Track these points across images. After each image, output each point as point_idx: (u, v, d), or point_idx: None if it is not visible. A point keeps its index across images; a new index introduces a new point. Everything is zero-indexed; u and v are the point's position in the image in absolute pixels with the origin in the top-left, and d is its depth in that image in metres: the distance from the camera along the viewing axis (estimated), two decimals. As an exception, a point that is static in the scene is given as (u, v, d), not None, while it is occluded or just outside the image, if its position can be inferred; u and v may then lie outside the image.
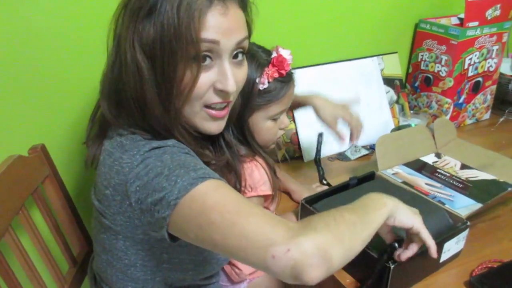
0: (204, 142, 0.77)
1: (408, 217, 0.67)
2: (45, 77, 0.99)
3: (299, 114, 1.28)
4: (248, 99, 0.82)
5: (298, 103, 1.03)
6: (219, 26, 0.63)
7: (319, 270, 0.51)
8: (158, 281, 0.75)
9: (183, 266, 0.74)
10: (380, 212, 0.63)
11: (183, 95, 0.65)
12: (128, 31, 0.63)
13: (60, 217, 1.01)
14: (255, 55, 0.84)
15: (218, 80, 0.67)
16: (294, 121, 1.27)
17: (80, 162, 1.09)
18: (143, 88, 0.64)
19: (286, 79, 0.87)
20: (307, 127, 1.28)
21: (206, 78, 0.66)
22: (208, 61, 0.65)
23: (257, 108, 0.85)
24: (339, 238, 0.54)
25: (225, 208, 0.56)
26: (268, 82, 0.83)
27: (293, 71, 0.89)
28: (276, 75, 0.84)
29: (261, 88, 0.83)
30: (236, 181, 0.83)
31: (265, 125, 0.88)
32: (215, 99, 0.69)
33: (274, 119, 0.89)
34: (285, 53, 0.84)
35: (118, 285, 0.77)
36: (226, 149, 0.82)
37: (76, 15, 0.97)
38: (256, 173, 0.87)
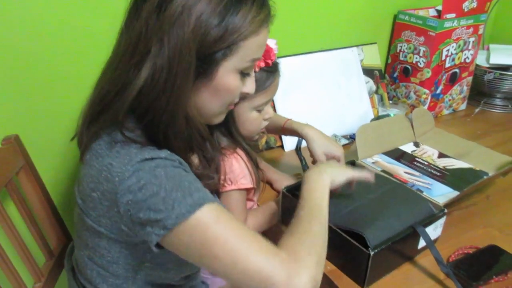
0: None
1: (342, 175, 0.80)
2: (19, 63, 0.96)
3: (279, 104, 1.27)
4: None
5: (291, 130, 1.02)
6: (266, 43, 0.71)
7: None
8: (139, 279, 0.74)
9: (166, 265, 0.74)
10: (326, 194, 0.75)
11: (223, 100, 0.71)
12: (190, 34, 0.61)
13: (36, 209, 0.99)
14: None
15: (244, 84, 0.73)
16: (275, 111, 1.27)
17: (56, 153, 1.07)
18: (186, 89, 0.64)
19: (272, 69, 0.86)
20: (288, 117, 1.28)
21: (241, 84, 0.71)
22: None
23: (242, 98, 0.83)
24: (319, 260, 0.63)
25: (227, 245, 0.60)
26: (254, 72, 0.82)
27: (278, 61, 0.89)
28: (262, 64, 0.83)
29: None
30: (215, 174, 0.82)
31: (250, 115, 0.87)
32: (237, 100, 0.75)
33: (258, 109, 0.88)
34: (271, 43, 0.84)
35: (98, 280, 0.75)
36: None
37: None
38: (236, 166, 0.86)
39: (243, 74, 0.70)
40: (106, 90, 0.66)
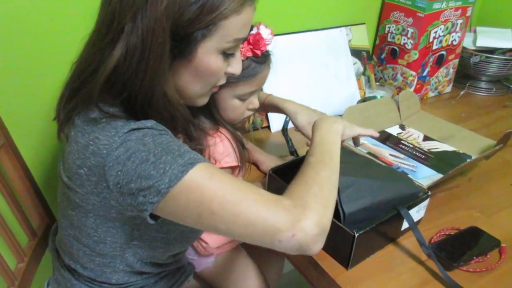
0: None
1: (352, 129, 0.82)
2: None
3: (266, 84, 1.26)
4: None
5: (272, 105, 1.00)
6: (251, 22, 0.67)
7: (321, 242, 0.60)
8: (127, 257, 0.74)
9: (153, 243, 0.73)
10: (338, 140, 0.75)
11: (204, 81, 0.68)
12: (163, 13, 0.58)
13: (18, 188, 0.97)
14: None
15: (230, 64, 0.70)
16: (261, 89, 1.26)
17: (38, 131, 1.05)
18: (163, 70, 0.62)
19: (261, 60, 0.83)
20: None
21: (225, 65, 0.69)
22: None
23: (224, 84, 0.80)
24: (327, 204, 0.62)
25: (225, 198, 0.58)
26: (242, 61, 0.79)
27: (271, 51, 0.85)
28: (249, 54, 0.80)
29: None
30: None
31: (231, 103, 0.85)
32: (223, 81, 0.73)
33: (242, 98, 0.85)
34: (265, 32, 0.79)
35: (85, 260, 0.75)
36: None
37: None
38: (220, 145, 0.85)
39: (226, 54, 0.67)
40: (82, 68, 0.65)
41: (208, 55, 0.65)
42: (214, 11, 0.60)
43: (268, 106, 1.02)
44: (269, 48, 0.84)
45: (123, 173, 0.59)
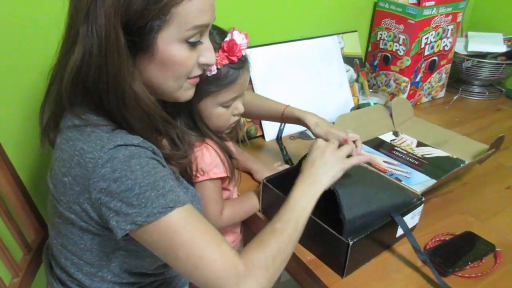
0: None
1: (339, 171, 0.78)
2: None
3: (259, 92, 1.26)
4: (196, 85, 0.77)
5: (293, 118, 0.99)
6: (210, 7, 0.65)
7: None
8: (114, 267, 0.74)
9: (140, 253, 0.73)
10: (313, 202, 0.74)
11: (174, 73, 0.67)
12: (110, 9, 0.58)
13: (11, 202, 0.96)
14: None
15: (201, 54, 0.69)
16: (256, 100, 1.26)
17: (31, 143, 1.05)
18: (126, 69, 0.61)
19: (238, 66, 0.81)
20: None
21: (194, 55, 0.68)
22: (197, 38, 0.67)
23: (206, 94, 0.81)
24: (275, 274, 0.66)
25: (191, 250, 0.62)
26: (217, 69, 0.79)
27: (248, 54, 0.84)
28: (225, 61, 0.79)
29: (208, 75, 0.77)
30: (187, 166, 0.81)
31: (215, 111, 0.84)
32: (197, 72, 0.71)
33: (225, 105, 0.84)
34: (239, 38, 0.78)
35: (73, 269, 0.75)
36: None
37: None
38: (207, 156, 0.85)
39: (191, 43, 0.65)
40: (54, 74, 0.67)
41: (170, 46, 0.63)
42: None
43: (287, 118, 1.00)
44: (246, 52, 0.83)
45: (107, 192, 0.61)
